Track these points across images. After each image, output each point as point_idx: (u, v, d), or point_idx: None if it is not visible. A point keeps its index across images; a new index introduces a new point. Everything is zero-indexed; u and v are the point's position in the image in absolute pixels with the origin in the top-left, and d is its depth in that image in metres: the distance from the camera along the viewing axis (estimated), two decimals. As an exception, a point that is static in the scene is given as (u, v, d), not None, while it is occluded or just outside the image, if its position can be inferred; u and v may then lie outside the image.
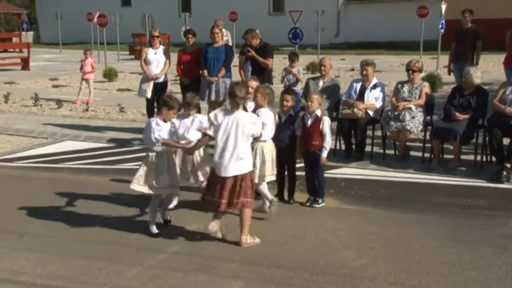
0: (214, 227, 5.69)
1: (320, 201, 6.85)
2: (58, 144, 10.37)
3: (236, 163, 5.49)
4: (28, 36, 34.53)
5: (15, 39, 31.32)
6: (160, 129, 5.82)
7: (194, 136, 6.31)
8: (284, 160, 6.92)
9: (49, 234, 6.06)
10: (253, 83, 6.92)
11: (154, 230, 5.96)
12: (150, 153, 5.87)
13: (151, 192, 5.89)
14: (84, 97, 14.39)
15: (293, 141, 6.80)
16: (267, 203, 6.42)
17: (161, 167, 5.85)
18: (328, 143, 6.75)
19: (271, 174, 6.45)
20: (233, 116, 5.55)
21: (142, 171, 5.87)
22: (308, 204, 6.86)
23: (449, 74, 12.04)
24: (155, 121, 5.87)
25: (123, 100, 13.92)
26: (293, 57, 10.11)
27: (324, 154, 6.72)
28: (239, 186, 5.53)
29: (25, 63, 23.03)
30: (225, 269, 5.20)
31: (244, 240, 5.66)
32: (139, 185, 5.87)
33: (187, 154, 6.30)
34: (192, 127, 6.37)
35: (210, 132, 5.62)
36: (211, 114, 5.67)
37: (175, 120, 6.23)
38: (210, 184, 5.74)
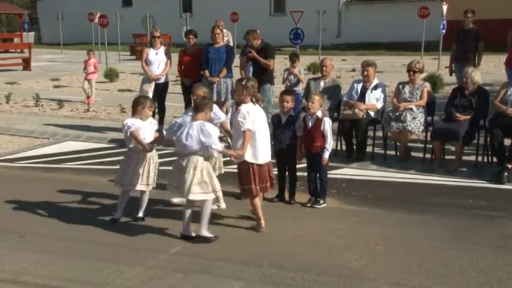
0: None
1: (321, 201, 6.85)
2: (59, 145, 10.38)
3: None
4: (29, 36, 34.56)
5: (16, 40, 31.40)
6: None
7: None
8: (285, 161, 6.94)
9: (50, 235, 6.06)
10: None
11: (206, 233, 5.87)
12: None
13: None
14: (81, 97, 14.41)
15: (294, 142, 6.81)
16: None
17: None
18: (330, 144, 6.75)
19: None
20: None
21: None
22: (309, 204, 6.87)
23: (450, 74, 12.03)
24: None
25: (124, 101, 13.91)
26: (294, 58, 10.13)
27: (326, 155, 6.72)
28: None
29: (26, 64, 23.05)
30: (226, 269, 5.20)
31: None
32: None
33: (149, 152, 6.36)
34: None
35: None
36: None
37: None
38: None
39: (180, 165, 5.70)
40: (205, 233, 5.82)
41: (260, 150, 5.98)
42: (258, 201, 6.10)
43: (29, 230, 6.19)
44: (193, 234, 5.84)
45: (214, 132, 5.67)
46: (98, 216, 6.54)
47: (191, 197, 5.64)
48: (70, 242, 5.86)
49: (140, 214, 6.46)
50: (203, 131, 5.59)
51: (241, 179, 6.06)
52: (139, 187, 6.34)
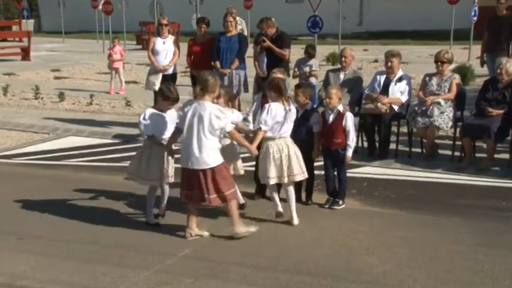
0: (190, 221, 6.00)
1: (340, 202, 6.85)
2: (60, 140, 10.45)
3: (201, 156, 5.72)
4: (29, 24, 34.73)
5: (15, 28, 31.52)
6: (146, 123, 6.20)
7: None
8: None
9: (51, 236, 6.11)
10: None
11: (152, 220, 6.31)
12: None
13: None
14: (84, 89, 14.51)
15: (309, 138, 6.80)
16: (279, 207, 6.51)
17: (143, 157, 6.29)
18: (353, 140, 6.75)
19: (301, 173, 6.36)
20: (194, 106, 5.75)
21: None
22: (327, 205, 6.87)
23: (481, 65, 11.94)
24: (144, 112, 6.27)
25: (129, 93, 13.99)
26: (312, 52, 10.10)
27: (349, 153, 6.71)
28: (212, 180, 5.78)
29: (25, 53, 23.18)
30: (238, 274, 5.22)
31: (238, 231, 5.90)
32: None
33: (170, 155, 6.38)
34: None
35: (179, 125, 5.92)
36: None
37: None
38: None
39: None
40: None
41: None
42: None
43: (28, 231, 6.25)
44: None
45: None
46: (102, 216, 6.58)
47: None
48: (72, 245, 5.90)
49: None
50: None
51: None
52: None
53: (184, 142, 5.78)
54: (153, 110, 6.28)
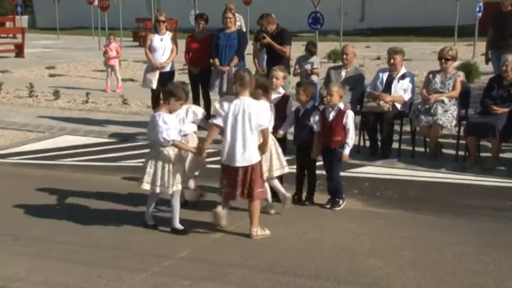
0: (221, 212, 5.99)
1: (340, 202, 6.85)
2: (55, 139, 10.45)
3: (244, 154, 5.81)
4: (23, 20, 34.75)
5: (8, 24, 31.60)
6: (168, 127, 5.93)
7: (189, 129, 6.58)
8: (302, 157, 6.95)
9: (45, 238, 6.11)
10: (280, 74, 6.95)
11: (179, 226, 6.13)
12: (161, 149, 5.99)
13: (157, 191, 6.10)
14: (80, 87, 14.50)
15: (309, 137, 6.81)
16: (272, 209, 6.63)
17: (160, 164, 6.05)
18: (352, 138, 6.75)
19: (279, 168, 6.50)
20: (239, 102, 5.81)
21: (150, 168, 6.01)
22: (328, 206, 6.87)
23: (486, 63, 11.92)
24: (161, 117, 5.94)
25: (126, 91, 13.98)
26: (313, 49, 10.09)
27: (346, 151, 6.72)
28: (250, 177, 5.86)
29: (19, 50, 23.19)
30: (237, 276, 5.22)
31: (254, 233, 5.95)
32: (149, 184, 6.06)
33: (198, 155, 6.34)
34: (187, 119, 6.55)
35: (219, 122, 5.87)
36: (217, 104, 5.96)
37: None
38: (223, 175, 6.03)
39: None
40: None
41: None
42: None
43: (23, 232, 6.24)
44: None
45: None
46: (98, 217, 6.58)
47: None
48: (67, 246, 5.90)
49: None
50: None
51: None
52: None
53: (228, 140, 5.84)
54: (166, 114, 6.00)
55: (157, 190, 6.06)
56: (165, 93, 6.27)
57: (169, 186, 6.02)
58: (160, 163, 5.99)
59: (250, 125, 5.78)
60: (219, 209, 6.02)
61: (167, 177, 6.00)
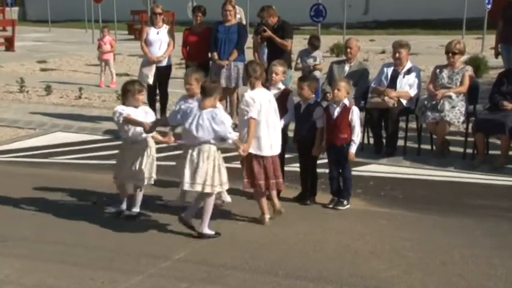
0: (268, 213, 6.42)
1: (345, 202, 6.86)
2: (47, 136, 10.45)
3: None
4: (13, 12, 34.73)
5: (-3, 16, 31.52)
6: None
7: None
8: (303, 155, 6.95)
9: (36, 239, 6.11)
10: (279, 68, 6.93)
11: (208, 230, 6.07)
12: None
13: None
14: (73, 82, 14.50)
15: (311, 134, 6.81)
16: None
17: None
18: (358, 136, 6.78)
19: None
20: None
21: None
22: (331, 206, 6.88)
23: (496, 57, 11.96)
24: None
25: (120, 86, 13.94)
26: (316, 43, 10.10)
27: (353, 149, 6.72)
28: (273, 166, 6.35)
29: (9, 44, 23.18)
30: (236, 279, 5.22)
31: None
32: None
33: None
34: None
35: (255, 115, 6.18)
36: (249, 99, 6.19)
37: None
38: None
39: (190, 157, 5.86)
40: (208, 230, 6.03)
41: (265, 141, 6.26)
42: (263, 197, 6.43)
43: (12, 233, 6.24)
44: (195, 232, 6.05)
45: (227, 119, 5.94)
46: (91, 217, 6.58)
47: (207, 189, 5.88)
48: (59, 247, 5.90)
49: (134, 210, 6.59)
50: (215, 119, 5.83)
51: (247, 173, 6.36)
52: (131, 181, 6.62)
53: (262, 130, 6.21)
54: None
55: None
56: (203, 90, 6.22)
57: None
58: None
59: (276, 113, 6.32)
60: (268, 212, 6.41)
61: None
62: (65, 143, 9.92)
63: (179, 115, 6.02)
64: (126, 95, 6.53)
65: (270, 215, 6.42)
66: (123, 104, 6.55)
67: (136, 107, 6.48)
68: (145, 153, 6.52)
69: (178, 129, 6.52)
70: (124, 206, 6.68)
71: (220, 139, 5.93)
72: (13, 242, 6.04)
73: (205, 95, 5.95)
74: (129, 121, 6.35)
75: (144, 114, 6.53)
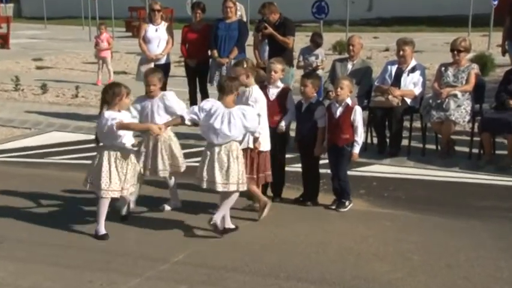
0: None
1: (347, 203, 6.87)
2: (43, 136, 10.46)
3: None
4: (7, 9, 34.75)
5: (-8, 13, 31.51)
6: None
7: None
8: (305, 155, 6.96)
9: (32, 240, 6.12)
10: (278, 66, 6.95)
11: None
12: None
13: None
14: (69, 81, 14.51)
15: (312, 133, 6.83)
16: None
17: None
18: (361, 136, 6.77)
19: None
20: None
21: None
22: (333, 207, 6.89)
23: (503, 54, 11.95)
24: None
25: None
26: (319, 41, 10.11)
27: (356, 150, 6.73)
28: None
29: (4, 41, 23.17)
30: (237, 281, 5.23)
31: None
32: None
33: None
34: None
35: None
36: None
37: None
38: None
39: (218, 157, 5.94)
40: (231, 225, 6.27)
41: (267, 136, 6.48)
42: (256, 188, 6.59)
43: (7, 235, 6.25)
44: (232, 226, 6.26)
45: (256, 115, 6.12)
46: (88, 218, 6.58)
47: (241, 188, 6.05)
48: (55, 249, 5.92)
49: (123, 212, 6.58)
50: (246, 116, 5.98)
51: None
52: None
53: (265, 126, 6.45)
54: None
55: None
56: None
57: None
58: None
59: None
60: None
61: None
62: (61, 143, 9.93)
63: (203, 112, 6.01)
64: (114, 100, 6.07)
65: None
66: (108, 108, 6.11)
67: (119, 111, 6.13)
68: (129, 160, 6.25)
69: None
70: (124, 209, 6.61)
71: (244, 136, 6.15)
72: (8, 244, 6.04)
73: (225, 92, 6.03)
74: (125, 127, 6.03)
75: (129, 117, 6.32)
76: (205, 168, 5.97)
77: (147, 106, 6.62)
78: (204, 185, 6.01)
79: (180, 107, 6.58)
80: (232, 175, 5.93)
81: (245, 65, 6.43)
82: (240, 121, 5.92)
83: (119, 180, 6.07)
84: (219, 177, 5.91)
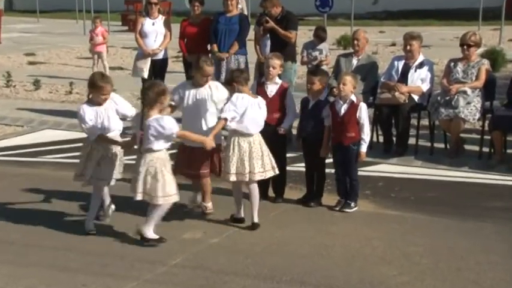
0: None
1: (352, 204, 6.87)
2: (35, 134, 10.47)
3: None
4: (-2, 2, 34.77)
5: (-18, 6, 31.51)
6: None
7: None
8: (309, 154, 6.97)
9: (25, 243, 6.13)
10: (276, 62, 6.94)
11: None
12: None
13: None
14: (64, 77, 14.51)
15: (317, 131, 6.83)
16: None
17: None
18: (368, 134, 6.78)
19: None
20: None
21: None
22: (338, 208, 6.89)
23: (514, 49, 11.97)
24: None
25: (114, 80, 13.86)
26: (323, 35, 10.11)
27: (363, 148, 6.73)
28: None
29: (-5, 36, 23.22)
30: (237, 285, 5.24)
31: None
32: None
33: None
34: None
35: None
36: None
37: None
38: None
39: (250, 147, 6.24)
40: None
41: None
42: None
43: (0, 237, 6.25)
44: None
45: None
46: (83, 220, 6.58)
47: (276, 171, 6.42)
48: (49, 252, 5.92)
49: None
50: (262, 108, 6.37)
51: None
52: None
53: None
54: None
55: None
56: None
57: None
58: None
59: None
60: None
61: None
62: (54, 141, 9.94)
63: (239, 108, 6.20)
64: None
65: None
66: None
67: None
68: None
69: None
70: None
71: None
72: (0, 246, 6.05)
73: (242, 85, 6.31)
74: (182, 136, 6.30)
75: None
76: (235, 161, 6.22)
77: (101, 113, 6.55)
78: (234, 178, 6.25)
79: (129, 106, 6.78)
80: (266, 162, 6.32)
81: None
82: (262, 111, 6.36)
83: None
84: (258, 166, 6.25)
